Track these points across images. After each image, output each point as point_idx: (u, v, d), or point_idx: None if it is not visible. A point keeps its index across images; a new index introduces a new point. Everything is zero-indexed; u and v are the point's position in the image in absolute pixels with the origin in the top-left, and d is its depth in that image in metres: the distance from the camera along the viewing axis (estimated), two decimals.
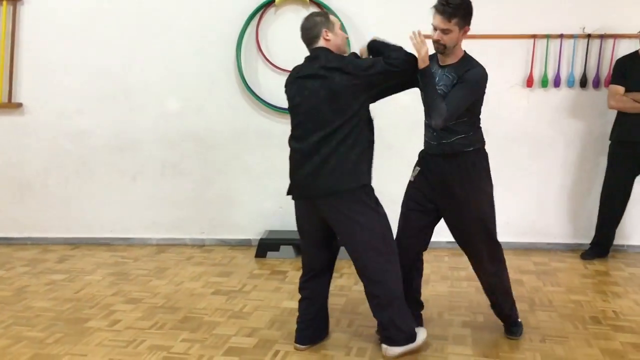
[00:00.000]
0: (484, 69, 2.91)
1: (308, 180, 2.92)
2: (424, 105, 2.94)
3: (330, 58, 2.89)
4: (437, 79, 2.93)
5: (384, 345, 3.01)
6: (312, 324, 3.16)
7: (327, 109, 2.84)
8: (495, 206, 3.10)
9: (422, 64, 2.85)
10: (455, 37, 2.83)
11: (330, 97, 2.84)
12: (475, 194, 2.99)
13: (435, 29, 2.83)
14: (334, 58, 2.90)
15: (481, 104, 3.00)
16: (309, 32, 2.97)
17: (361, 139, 2.89)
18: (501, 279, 3.15)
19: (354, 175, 2.87)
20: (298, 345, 3.14)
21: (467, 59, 2.94)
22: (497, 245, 3.09)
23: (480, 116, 3.05)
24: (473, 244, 3.07)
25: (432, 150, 3.03)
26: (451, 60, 2.93)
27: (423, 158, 3.11)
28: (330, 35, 2.95)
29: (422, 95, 2.95)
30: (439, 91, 2.88)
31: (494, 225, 3.08)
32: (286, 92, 3.05)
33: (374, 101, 3.01)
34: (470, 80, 2.86)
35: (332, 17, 3.05)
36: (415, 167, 3.13)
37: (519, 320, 3.28)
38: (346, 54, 3.03)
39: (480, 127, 3.06)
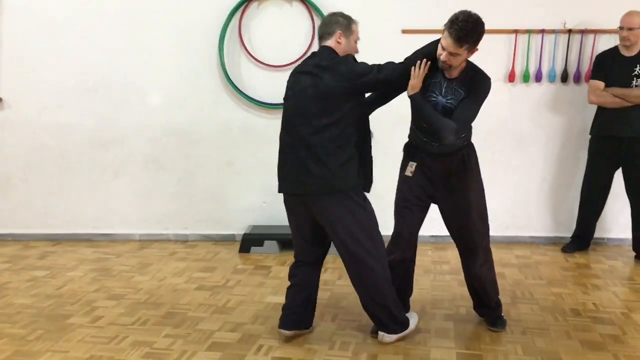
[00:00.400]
0: (489, 79, 2.95)
1: (295, 176, 2.92)
2: (426, 124, 2.95)
3: (327, 57, 2.88)
4: (443, 90, 2.92)
5: (380, 333, 3.07)
6: (298, 311, 3.15)
7: (315, 107, 2.84)
8: None
9: (411, 91, 2.88)
10: (462, 59, 2.84)
11: (317, 96, 2.83)
12: (472, 183, 3.08)
13: (443, 48, 2.79)
14: (330, 58, 2.88)
15: None
16: (325, 27, 2.96)
17: (351, 142, 2.88)
18: (490, 266, 3.23)
19: (342, 177, 2.86)
20: (283, 331, 3.13)
21: (471, 69, 2.94)
22: (488, 231, 3.20)
23: None
24: (470, 233, 3.12)
25: (432, 149, 3.04)
26: (457, 72, 2.92)
27: (418, 154, 3.09)
28: (342, 40, 2.94)
29: (412, 110, 3.01)
30: (448, 104, 2.90)
31: (487, 212, 3.17)
32: (286, 84, 3.05)
33: (370, 110, 3.06)
34: (481, 95, 2.91)
35: (354, 27, 3.00)
36: (409, 162, 3.12)
37: (503, 315, 3.33)
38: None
39: None
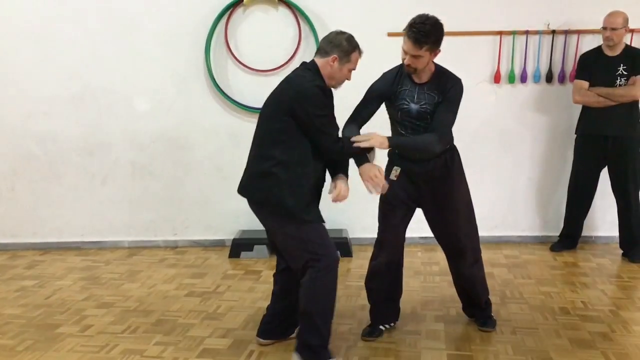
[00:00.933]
0: (460, 81, 2.99)
1: (243, 180, 2.94)
2: (414, 153, 3.00)
3: (300, 72, 2.81)
4: (415, 97, 2.94)
5: (295, 354, 2.89)
6: (276, 319, 3.14)
7: (267, 113, 2.83)
8: None
9: (382, 145, 2.87)
10: (425, 61, 2.86)
11: (271, 102, 2.82)
12: (457, 186, 3.10)
13: (405, 53, 2.83)
14: (302, 75, 2.78)
15: None
16: (325, 43, 2.81)
17: (294, 159, 2.74)
18: (480, 266, 3.26)
19: (280, 191, 2.74)
20: (258, 339, 3.15)
21: (441, 73, 2.97)
22: (477, 231, 3.22)
23: None
24: (457, 236, 3.13)
25: (413, 157, 3.05)
26: (426, 76, 2.95)
27: (401, 159, 3.09)
28: (335, 65, 2.79)
29: (391, 122, 3.08)
30: (422, 109, 2.93)
31: (474, 213, 3.19)
32: None
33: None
34: (455, 99, 2.95)
35: (354, 56, 2.82)
36: (394, 167, 3.10)
37: (492, 315, 3.35)
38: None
39: None
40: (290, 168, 2.74)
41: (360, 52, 2.84)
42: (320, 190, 2.89)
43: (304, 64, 2.90)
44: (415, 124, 2.98)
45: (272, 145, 2.76)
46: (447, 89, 2.91)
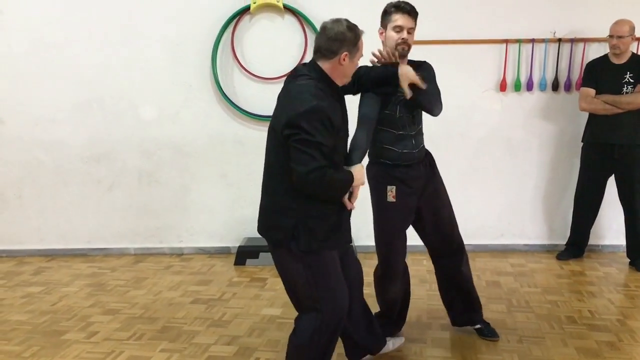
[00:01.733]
0: (428, 63, 3.03)
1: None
2: (423, 106, 2.89)
3: (300, 88, 2.41)
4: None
5: None
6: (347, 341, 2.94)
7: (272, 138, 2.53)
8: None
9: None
10: (413, 38, 2.91)
11: (274, 125, 2.48)
12: (442, 185, 3.15)
13: (400, 29, 2.83)
14: (300, 92, 2.39)
15: None
16: (329, 42, 2.43)
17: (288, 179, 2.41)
18: (468, 264, 3.30)
19: (279, 219, 2.47)
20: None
21: (413, 64, 2.91)
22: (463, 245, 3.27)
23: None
24: (454, 231, 3.16)
25: (411, 160, 2.96)
26: (406, 62, 2.93)
27: (396, 175, 2.97)
28: (347, 62, 2.45)
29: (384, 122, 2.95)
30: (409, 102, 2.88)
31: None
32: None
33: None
34: (433, 76, 2.95)
35: (360, 43, 2.50)
36: (387, 187, 2.96)
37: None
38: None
39: None
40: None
41: (362, 34, 2.51)
42: None
43: (305, 67, 2.53)
44: (412, 116, 2.94)
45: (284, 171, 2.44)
46: (420, 69, 2.85)
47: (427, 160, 3.08)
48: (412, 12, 2.84)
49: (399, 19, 2.83)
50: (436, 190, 3.09)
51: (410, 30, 2.86)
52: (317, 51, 2.48)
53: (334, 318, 2.54)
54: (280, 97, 2.53)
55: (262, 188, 2.56)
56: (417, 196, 3.03)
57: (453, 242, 3.18)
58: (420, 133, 3.02)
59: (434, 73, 2.98)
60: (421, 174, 3.01)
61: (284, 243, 2.45)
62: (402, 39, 2.84)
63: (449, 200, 3.16)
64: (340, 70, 2.48)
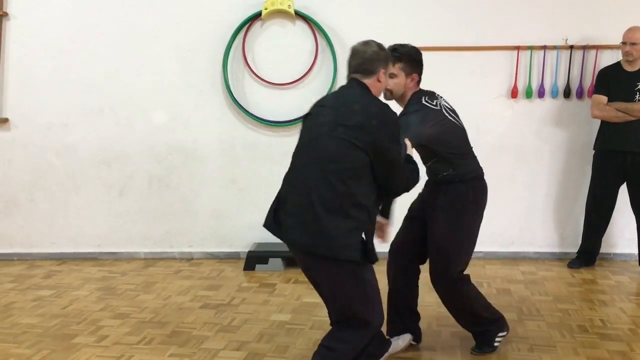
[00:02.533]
0: (409, 116, 2.81)
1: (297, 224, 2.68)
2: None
3: (364, 93, 2.54)
4: None
5: None
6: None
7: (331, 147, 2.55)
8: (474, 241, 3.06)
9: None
10: (401, 84, 2.86)
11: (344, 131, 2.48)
12: (451, 224, 2.94)
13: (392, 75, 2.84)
14: (372, 98, 2.56)
15: (449, 141, 2.92)
16: (367, 63, 2.55)
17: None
18: (463, 300, 3.13)
19: (338, 230, 2.46)
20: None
21: (407, 105, 2.89)
22: (452, 283, 3.04)
23: (466, 148, 3.05)
24: (438, 268, 3.03)
25: (430, 179, 3.10)
26: (403, 105, 2.93)
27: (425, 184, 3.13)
28: (384, 78, 2.63)
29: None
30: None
31: (456, 263, 3.00)
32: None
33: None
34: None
35: (390, 59, 2.68)
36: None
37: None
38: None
39: (469, 160, 3.03)
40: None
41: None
42: None
43: (354, 82, 2.58)
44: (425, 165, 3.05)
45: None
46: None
47: (448, 189, 2.94)
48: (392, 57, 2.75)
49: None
50: (437, 219, 2.97)
51: (392, 75, 2.81)
52: (355, 71, 2.59)
53: (379, 328, 2.68)
54: (339, 105, 2.53)
55: (305, 198, 2.48)
56: (425, 211, 3.06)
57: (439, 274, 3.02)
58: (430, 168, 3.03)
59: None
60: (429, 193, 3.06)
61: (341, 255, 2.43)
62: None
63: (444, 242, 2.93)
64: (378, 87, 2.62)
